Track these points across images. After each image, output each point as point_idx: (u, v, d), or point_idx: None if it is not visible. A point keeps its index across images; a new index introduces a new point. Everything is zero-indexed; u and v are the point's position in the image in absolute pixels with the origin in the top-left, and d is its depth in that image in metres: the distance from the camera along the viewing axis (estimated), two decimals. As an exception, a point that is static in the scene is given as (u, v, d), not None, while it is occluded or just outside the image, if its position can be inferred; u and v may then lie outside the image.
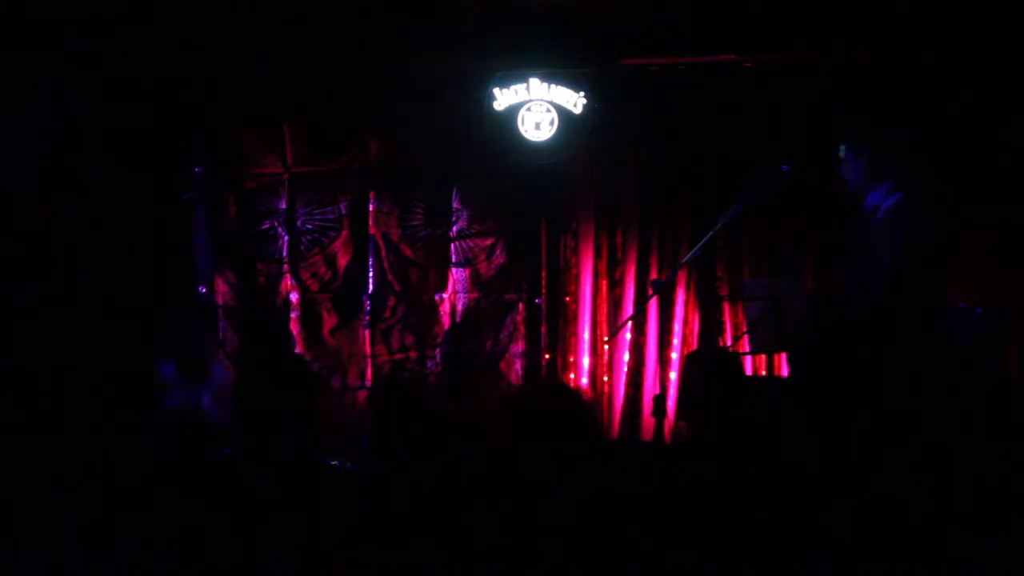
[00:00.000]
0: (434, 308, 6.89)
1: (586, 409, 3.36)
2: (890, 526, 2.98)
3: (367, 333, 6.88)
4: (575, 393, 3.36)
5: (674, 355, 6.58)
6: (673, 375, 6.66)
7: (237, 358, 6.66)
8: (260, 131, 6.91)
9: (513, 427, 3.25)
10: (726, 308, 6.60)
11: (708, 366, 3.78)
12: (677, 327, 6.74)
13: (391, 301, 6.89)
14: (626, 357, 6.82)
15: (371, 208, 6.88)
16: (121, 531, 3.19)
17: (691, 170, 6.80)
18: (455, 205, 6.87)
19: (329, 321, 6.90)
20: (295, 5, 6.38)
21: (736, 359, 3.92)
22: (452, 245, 6.88)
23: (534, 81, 6.64)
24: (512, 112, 6.66)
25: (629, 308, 6.75)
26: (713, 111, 6.64)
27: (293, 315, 6.89)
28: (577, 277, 6.88)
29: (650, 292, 5.42)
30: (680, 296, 6.75)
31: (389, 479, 2.84)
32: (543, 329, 6.85)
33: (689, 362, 3.88)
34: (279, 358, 3.97)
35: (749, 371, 6.20)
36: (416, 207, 6.89)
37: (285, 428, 3.32)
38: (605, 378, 6.85)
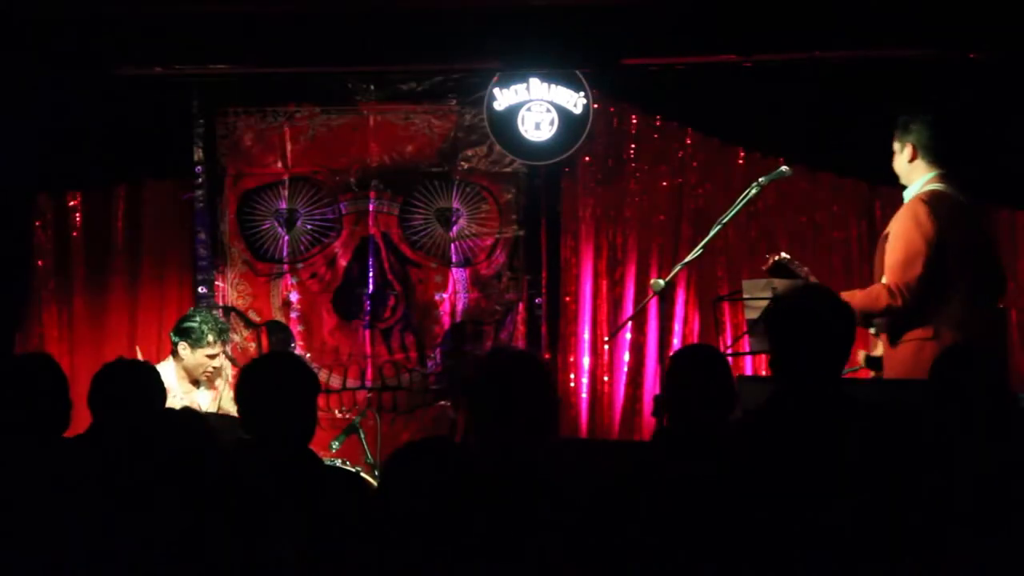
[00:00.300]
0: (434, 308, 6.89)
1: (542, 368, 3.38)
2: (890, 526, 2.98)
3: (367, 333, 6.88)
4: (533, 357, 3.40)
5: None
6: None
7: (237, 358, 6.65)
8: (260, 131, 6.91)
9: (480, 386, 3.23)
10: (726, 308, 6.59)
11: (692, 366, 3.76)
12: (677, 327, 6.74)
13: (391, 301, 6.89)
14: (626, 357, 6.82)
15: (371, 208, 6.88)
16: (121, 531, 3.19)
17: (691, 169, 6.80)
18: (455, 205, 6.87)
19: (329, 321, 6.90)
20: (296, 5, 6.38)
21: (723, 357, 3.89)
22: (452, 245, 6.88)
23: (534, 81, 6.64)
24: (512, 112, 6.66)
25: (629, 308, 6.74)
26: (713, 111, 6.64)
27: (293, 315, 6.89)
28: (577, 277, 6.88)
29: (650, 292, 5.42)
30: (680, 296, 6.75)
31: (389, 478, 2.84)
32: (543, 329, 6.86)
33: (673, 362, 3.86)
34: (279, 357, 3.96)
35: (749, 371, 6.21)
36: (416, 207, 6.89)
37: (285, 428, 3.31)
38: (605, 378, 6.85)
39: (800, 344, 3.18)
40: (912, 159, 5.13)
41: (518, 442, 3.14)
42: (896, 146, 5.17)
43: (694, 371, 3.67)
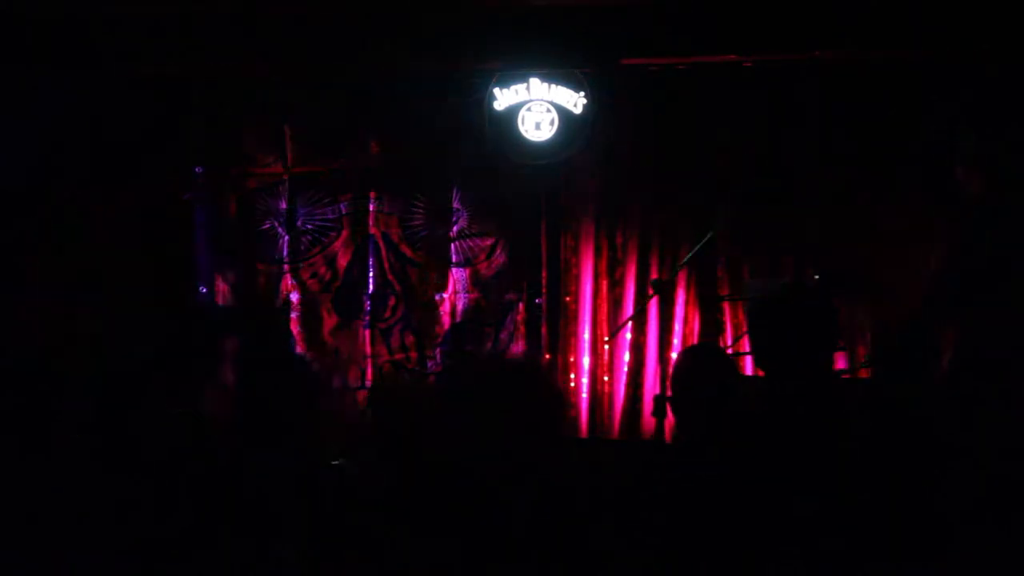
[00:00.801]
0: (434, 308, 6.90)
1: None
2: (890, 526, 2.98)
3: (367, 333, 6.89)
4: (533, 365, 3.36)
5: (674, 355, 6.57)
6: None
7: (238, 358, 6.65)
8: (260, 131, 6.92)
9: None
10: (726, 308, 6.60)
11: (700, 364, 3.76)
12: (677, 327, 6.74)
13: (391, 301, 6.90)
14: (626, 357, 6.82)
15: (371, 208, 6.89)
16: (122, 531, 3.19)
17: (692, 170, 6.80)
18: (455, 205, 6.88)
19: (329, 321, 6.90)
20: (296, 5, 6.38)
21: (729, 356, 3.90)
22: (452, 245, 6.88)
23: (534, 81, 6.64)
24: (512, 112, 6.67)
25: (629, 308, 6.75)
26: (713, 111, 6.64)
27: (293, 315, 6.90)
28: (577, 277, 6.88)
29: (650, 292, 5.42)
30: (680, 296, 6.75)
31: (390, 479, 2.84)
32: (543, 329, 6.86)
33: (680, 360, 3.86)
34: (279, 358, 3.97)
35: (749, 371, 6.21)
36: (416, 207, 6.90)
37: (286, 428, 3.31)
38: (605, 378, 6.85)
39: (782, 336, 3.20)
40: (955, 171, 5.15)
41: (516, 444, 3.13)
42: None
43: (700, 371, 3.68)
